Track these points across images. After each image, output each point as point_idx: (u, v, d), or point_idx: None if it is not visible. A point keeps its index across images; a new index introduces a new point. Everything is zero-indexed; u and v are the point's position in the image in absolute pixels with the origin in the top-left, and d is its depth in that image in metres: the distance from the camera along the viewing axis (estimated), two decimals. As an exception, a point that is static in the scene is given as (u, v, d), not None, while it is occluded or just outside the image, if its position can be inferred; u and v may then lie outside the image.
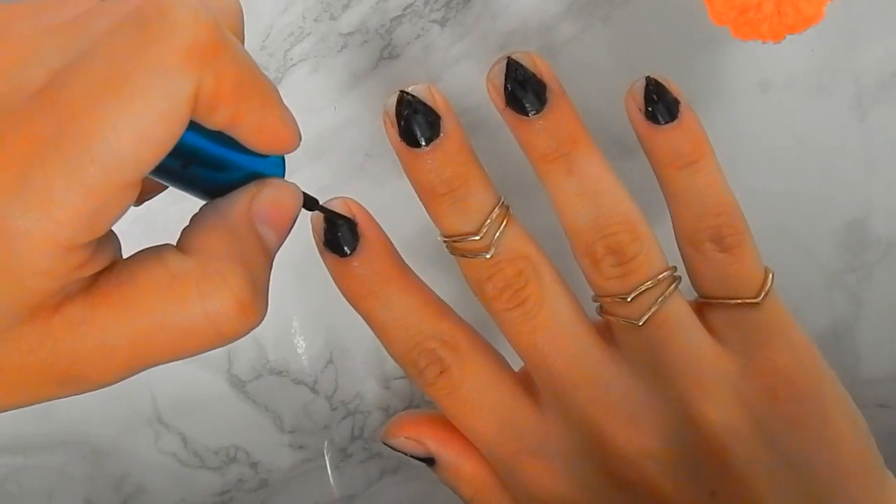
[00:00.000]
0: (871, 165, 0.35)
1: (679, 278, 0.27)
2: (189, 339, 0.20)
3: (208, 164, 0.21)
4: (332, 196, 0.27)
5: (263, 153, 0.21)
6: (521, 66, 0.26)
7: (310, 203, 0.24)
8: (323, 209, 0.26)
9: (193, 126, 0.19)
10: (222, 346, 0.20)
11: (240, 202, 0.22)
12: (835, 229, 0.35)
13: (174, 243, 0.21)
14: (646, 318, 0.26)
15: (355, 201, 0.27)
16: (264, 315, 0.21)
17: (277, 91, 0.21)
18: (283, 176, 0.23)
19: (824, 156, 0.35)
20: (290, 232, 0.23)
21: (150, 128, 0.18)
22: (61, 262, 0.18)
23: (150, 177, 0.20)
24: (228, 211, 0.21)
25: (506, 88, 0.26)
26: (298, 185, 0.23)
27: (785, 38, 0.27)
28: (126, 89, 0.17)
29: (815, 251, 0.35)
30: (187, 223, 0.22)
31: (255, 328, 0.21)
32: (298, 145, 0.22)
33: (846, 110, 0.34)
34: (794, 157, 0.35)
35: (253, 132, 0.20)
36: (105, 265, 0.20)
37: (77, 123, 0.17)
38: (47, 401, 0.20)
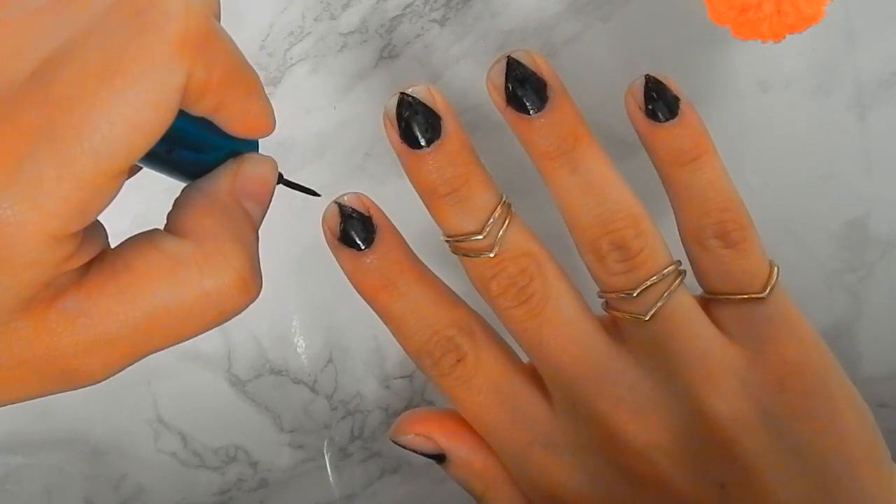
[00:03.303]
0: (871, 165, 0.35)
1: (684, 272, 0.27)
2: (190, 321, 0.20)
3: (190, 147, 0.21)
4: (333, 195, 0.28)
5: (240, 137, 0.22)
6: (522, 64, 0.26)
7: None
8: (289, 183, 0.26)
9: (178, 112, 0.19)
10: (220, 324, 0.21)
11: (224, 180, 0.22)
12: (835, 228, 0.35)
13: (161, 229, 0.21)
14: (652, 312, 0.26)
15: (367, 196, 0.27)
16: (260, 290, 0.21)
17: (259, 79, 0.21)
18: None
19: (824, 156, 0.35)
20: (269, 204, 0.23)
21: (143, 117, 0.18)
22: (51, 252, 0.18)
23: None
24: (214, 190, 0.22)
25: (506, 87, 0.26)
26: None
27: (785, 37, 0.27)
28: (119, 79, 0.17)
29: (816, 250, 0.35)
30: (171, 208, 0.22)
31: (252, 303, 0.21)
32: (273, 131, 0.22)
33: (846, 110, 0.34)
34: (794, 157, 0.35)
35: (235, 119, 0.21)
36: (93, 255, 0.20)
37: (69, 113, 0.17)
38: (47, 395, 0.20)
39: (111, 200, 0.19)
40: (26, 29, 0.18)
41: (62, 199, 0.17)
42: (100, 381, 0.20)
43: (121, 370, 0.20)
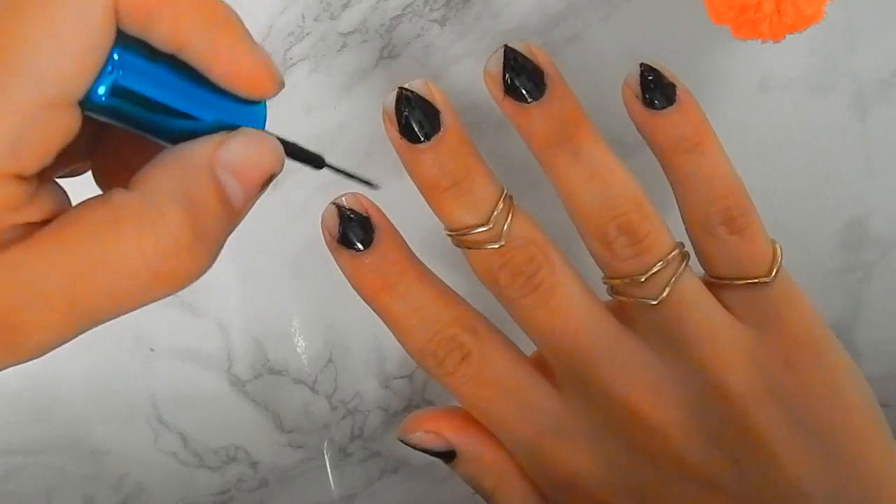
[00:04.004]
0: (871, 165, 0.35)
1: (688, 254, 0.27)
2: (128, 282, 0.18)
3: (176, 106, 0.20)
4: (333, 195, 0.28)
5: (234, 91, 0.20)
6: (518, 53, 0.26)
7: (316, 161, 0.23)
8: (332, 167, 0.24)
9: (162, 66, 0.19)
10: (162, 294, 0.19)
11: (203, 145, 0.20)
12: (835, 229, 0.35)
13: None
14: (661, 297, 0.26)
15: (365, 196, 0.27)
16: (205, 266, 0.19)
17: (237, 16, 0.20)
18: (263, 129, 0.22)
19: (824, 156, 0.35)
20: (261, 191, 0.21)
21: (68, 37, 0.17)
22: None
23: (127, 129, 0.19)
24: (188, 151, 0.20)
25: (504, 77, 0.26)
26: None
27: (785, 37, 0.27)
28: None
29: (815, 251, 0.35)
30: None
31: (193, 279, 0.19)
32: (277, 88, 0.21)
33: (846, 110, 0.34)
34: (794, 157, 0.35)
35: (207, 56, 0.19)
36: (48, 215, 0.19)
37: None
38: None
39: (57, 144, 0.18)
40: None
41: None
42: (37, 351, 0.19)
43: (61, 338, 0.19)
